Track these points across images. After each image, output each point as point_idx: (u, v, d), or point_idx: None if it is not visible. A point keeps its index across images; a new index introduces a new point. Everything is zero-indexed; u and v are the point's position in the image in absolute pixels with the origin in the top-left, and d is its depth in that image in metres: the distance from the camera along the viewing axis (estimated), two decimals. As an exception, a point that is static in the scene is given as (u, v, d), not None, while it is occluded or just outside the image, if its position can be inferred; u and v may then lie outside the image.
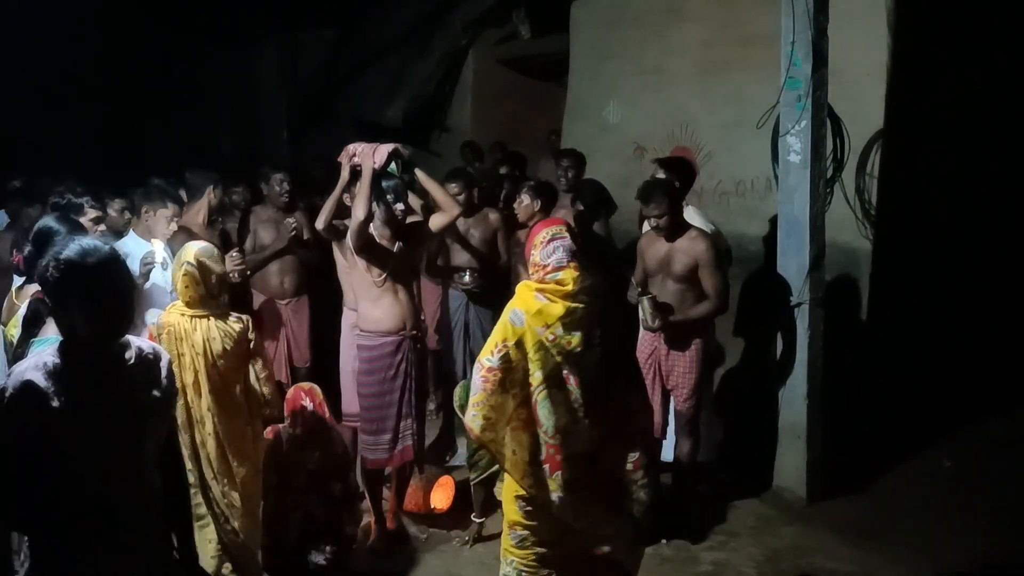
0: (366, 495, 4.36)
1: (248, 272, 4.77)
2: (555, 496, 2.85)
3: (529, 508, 2.95)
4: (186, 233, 4.65)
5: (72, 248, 2.10)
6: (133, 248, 4.25)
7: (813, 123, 4.41)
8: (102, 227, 4.14)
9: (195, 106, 10.50)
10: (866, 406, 5.02)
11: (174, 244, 4.55)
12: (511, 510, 3.01)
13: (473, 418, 2.83)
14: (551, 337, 2.85)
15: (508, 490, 3.02)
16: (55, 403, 2.01)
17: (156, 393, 2.23)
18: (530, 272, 3.00)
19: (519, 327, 2.86)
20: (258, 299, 5.35)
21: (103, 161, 8.46)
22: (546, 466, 2.84)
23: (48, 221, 3.44)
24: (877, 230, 5.13)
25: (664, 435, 4.51)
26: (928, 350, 5.29)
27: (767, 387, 4.78)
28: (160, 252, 4.28)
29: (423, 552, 4.31)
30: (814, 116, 4.40)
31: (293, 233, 5.18)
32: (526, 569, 3.01)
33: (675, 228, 4.33)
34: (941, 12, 5.24)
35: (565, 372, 2.86)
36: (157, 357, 2.28)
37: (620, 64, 6.90)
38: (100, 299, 2.08)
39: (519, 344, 2.84)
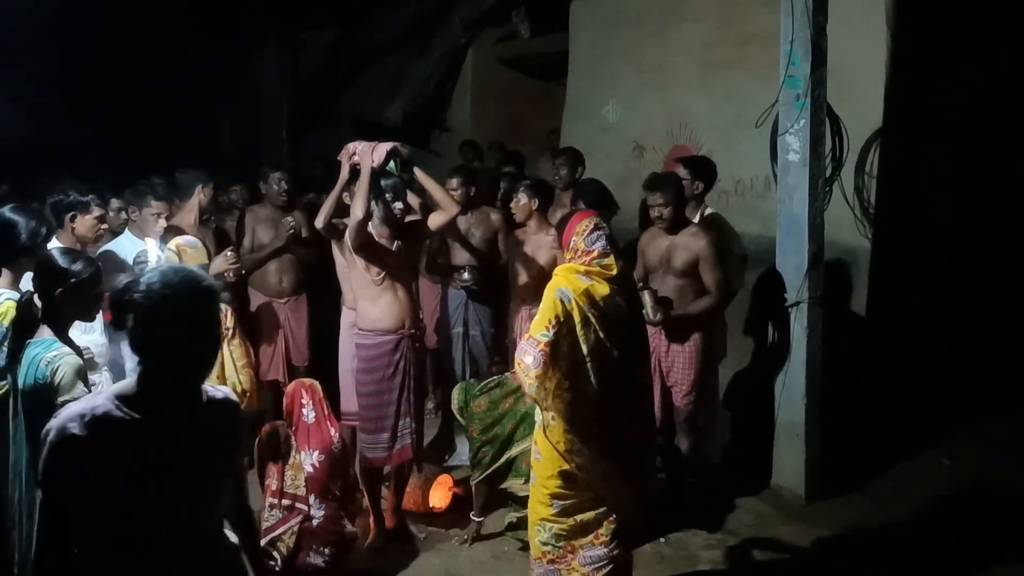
0: (365, 494, 4.36)
1: (243, 271, 4.77)
2: (590, 460, 3.12)
3: (573, 480, 3.18)
4: (177, 233, 4.65)
5: (168, 274, 1.89)
6: (128, 247, 4.25)
7: (812, 122, 4.41)
8: (104, 226, 4.14)
9: (195, 106, 10.51)
10: (865, 405, 5.01)
11: (168, 243, 4.57)
12: (553, 484, 3.20)
13: (537, 389, 3.06)
14: (596, 314, 3.09)
15: (549, 465, 3.19)
16: (99, 459, 1.82)
17: (224, 443, 2.04)
18: (568, 257, 3.25)
19: (568, 304, 3.08)
20: (256, 298, 5.35)
21: (102, 160, 8.46)
22: (585, 432, 3.11)
23: (6, 213, 3.41)
24: (876, 229, 5.13)
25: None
26: (927, 349, 5.29)
27: (766, 386, 4.77)
28: (154, 251, 4.28)
29: (422, 551, 4.31)
30: (813, 115, 4.41)
31: (291, 232, 5.18)
32: (566, 534, 3.26)
33: (677, 222, 4.38)
34: (941, 11, 5.23)
35: (608, 346, 3.12)
36: (228, 404, 2.09)
37: (619, 63, 6.90)
38: (190, 336, 1.85)
39: (567, 320, 3.07)
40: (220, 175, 5.60)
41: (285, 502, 3.77)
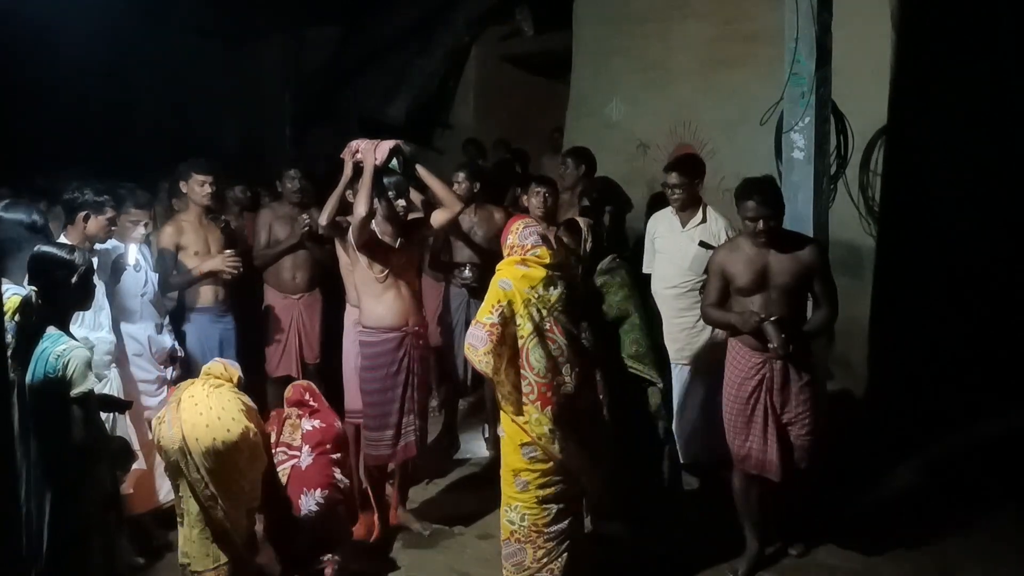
0: (368, 492, 4.37)
1: (241, 271, 4.78)
2: (547, 428, 3.44)
3: (533, 453, 3.48)
4: (174, 226, 4.66)
5: None
6: (109, 249, 4.23)
7: (817, 120, 4.40)
8: (115, 228, 4.12)
9: (198, 103, 10.51)
10: (869, 403, 5.01)
11: (160, 237, 4.60)
12: (515, 459, 3.52)
13: (486, 364, 3.42)
14: (536, 295, 3.49)
15: (510, 441, 3.53)
16: None
17: None
18: (506, 253, 3.64)
19: (509, 291, 3.48)
20: (271, 293, 5.38)
21: (101, 158, 8.45)
22: (537, 403, 3.45)
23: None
24: (881, 227, 5.13)
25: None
26: (932, 347, 5.28)
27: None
28: (133, 255, 4.27)
29: (426, 548, 4.32)
30: (818, 113, 4.40)
31: (306, 230, 5.20)
32: (529, 511, 3.53)
33: (774, 233, 3.78)
34: (945, 9, 5.23)
35: (548, 324, 3.50)
36: None
37: (623, 61, 6.90)
38: None
39: (510, 304, 3.47)
40: (222, 172, 5.57)
41: (280, 450, 3.74)
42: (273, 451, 3.75)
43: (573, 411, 3.50)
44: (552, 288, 3.52)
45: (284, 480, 3.67)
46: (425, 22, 9.28)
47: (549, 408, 3.44)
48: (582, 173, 5.67)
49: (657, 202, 5.63)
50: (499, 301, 3.45)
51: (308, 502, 3.62)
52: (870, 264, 5.14)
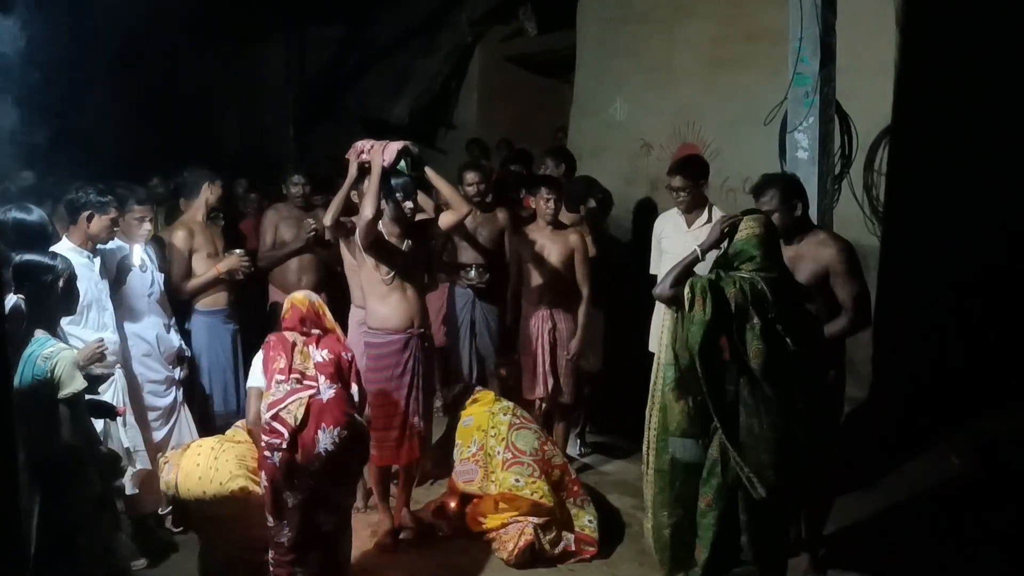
0: (374, 491, 4.38)
1: (252, 268, 4.80)
2: (546, 491, 4.22)
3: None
4: (186, 230, 4.65)
5: None
6: (113, 249, 4.22)
7: (821, 119, 4.39)
8: (118, 228, 4.11)
9: (201, 103, 10.52)
10: (872, 403, 5.00)
11: (175, 241, 4.60)
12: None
13: (483, 486, 4.34)
14: (497, 407, 4.59)
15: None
16: None
17: None
18: None
19: (472, 424, 4.57)
20: (276, 295, 5.38)
21: (107, 158, 8.45)
22: (543, 477, 4.26)
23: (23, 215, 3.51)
24: (885, 227, 5.12)
25: None
26: (936, 347, 5.27)
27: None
28: (138, 255, 4.25)
29: (431, 549, 4.32)
30: (822, 112, 4.39)
31: (312, 233, 5.20)
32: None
33: (795, 228, 3.77)
34: (949, 8, 5.22)
35: (519, 420, 4.52)
36: None
37: (626, 61, 6.89)
38: None
39: (479, 428, 4.49)
40: (225, 173, 5.56)
41: (294, 375, 3.55)
42: (285, 377, 3.55)
43: (556, 477, 4.40)
44: (503, 400, 4.70)
45: (301, 408, 3.47)
46: (428, 22, 9.29)
47: (544, 477, 4.25)
48: (562, 172, 5.72)
49: (649, 207, 5.66)
50: (472, 436, 4.48)
51: (325, 440, 3.45)
52: (874, 264, 5.12)
